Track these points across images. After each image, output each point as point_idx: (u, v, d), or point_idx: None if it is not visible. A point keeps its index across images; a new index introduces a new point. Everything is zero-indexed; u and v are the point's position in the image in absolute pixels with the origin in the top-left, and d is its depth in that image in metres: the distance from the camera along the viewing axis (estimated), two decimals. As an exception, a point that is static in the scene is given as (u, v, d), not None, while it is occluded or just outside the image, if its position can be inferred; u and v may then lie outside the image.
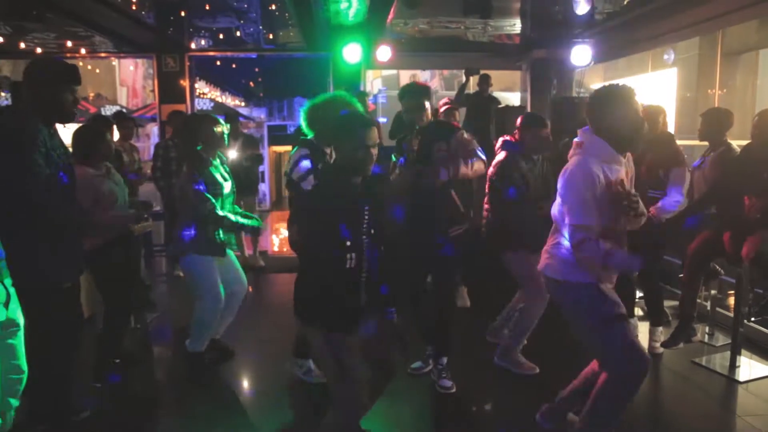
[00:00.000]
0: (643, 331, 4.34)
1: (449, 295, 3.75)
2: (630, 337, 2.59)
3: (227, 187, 3.77)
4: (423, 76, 17.40)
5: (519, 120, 3.93)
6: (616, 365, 2.58)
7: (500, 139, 3.99)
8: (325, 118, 3.18)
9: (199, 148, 3.73)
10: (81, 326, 3.11)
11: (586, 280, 2.56)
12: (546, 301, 3.64)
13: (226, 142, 3.85)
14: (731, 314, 4.07)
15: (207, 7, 6.48)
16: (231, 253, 3.92)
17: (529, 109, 8.10)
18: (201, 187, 3.56)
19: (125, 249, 3.76)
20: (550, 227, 2.80)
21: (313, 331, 2.46)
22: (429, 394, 3.60)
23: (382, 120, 10.90)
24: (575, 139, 2.63)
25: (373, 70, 11.90)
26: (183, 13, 6.82)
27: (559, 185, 2.58)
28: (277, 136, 14.97)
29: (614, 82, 2.63)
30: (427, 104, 3.50)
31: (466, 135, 3.57)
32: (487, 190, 3.95)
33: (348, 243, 2.38)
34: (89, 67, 17.76)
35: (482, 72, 7.40)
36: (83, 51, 8.69)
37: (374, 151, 2.43)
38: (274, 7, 6.57)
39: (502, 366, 3.83)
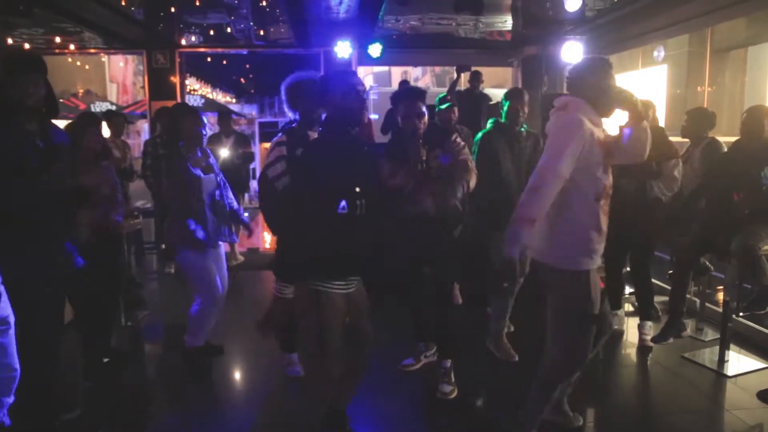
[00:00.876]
0: (632, 326, 4.37)
1: (449, 295, 3.61)
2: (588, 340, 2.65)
3: (210, 180, 3.73)
4: (414, 72, 17.41)
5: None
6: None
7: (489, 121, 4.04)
8: (309, 91, 3.13)
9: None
10: (60, 330, 3.04)
11: (581, 268, 2.58)
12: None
13: (204, 142, 3.82)
14: (720, 309, 4.10)
15: (197, 3, 6.45)
16: (221, 249, 3.92)
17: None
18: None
19: (108, 247, 3.74)
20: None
21: (298, 289, 2.51)
22: (419, 391, 3.60)
23: (374, 117, 10.87)
24: (556, 104, 2.67)
25: (365, 66, 11.88)
26: (173, 9, 6.79)
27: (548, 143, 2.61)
28: (269, 132, 14.91)
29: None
30: (425, 109, 3.37)
31: (458, 139, 3.46)
32: None
33: (340, 189, 2.41)
34: (78, 63, 17.61)
35: (473, 69, 7.39)
36: (72, 47, 8.62)
37: (365, 99, 2.46)
38: (264, 3, 6.56)
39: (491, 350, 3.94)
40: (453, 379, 3.51)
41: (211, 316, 3.81)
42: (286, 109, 3.36)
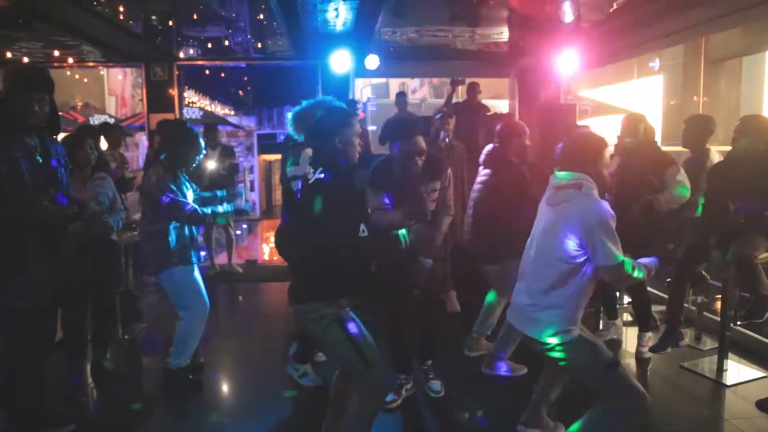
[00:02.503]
0: (631, 336, 4.36)
1: (434, 306, 3.63)
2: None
3: (189, 196, 3.73)
4: (412, 84, 17.48)
5: (504, 130, 3.95)
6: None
7: (490, 147, 4.02)
8: (307, 122, 3.14)
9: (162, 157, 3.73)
10: (47, 345, 3.04)
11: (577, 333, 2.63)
12: None
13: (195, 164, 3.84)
14: (718, 318, 4.10)
15: (195, 17, 6.49)
16: (197, 271, 3.85)
17: (517, 117, 8.17)
18: (170, 196, 3.52)
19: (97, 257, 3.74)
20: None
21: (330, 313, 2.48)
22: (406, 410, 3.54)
23: (371, 128, 10.92)
24: (564, 182, 2.69)
25: (363, 78, 11.94)
26: (171, 23, 6.83)
27: (573, 229, 2.59)
28: (267, 144, 14.99)
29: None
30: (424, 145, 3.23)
31: (449, 176, 3.42)
32: (472, 202, 3.96)
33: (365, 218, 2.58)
34: (77, 76, 17.65)
35: (471, 80, 7.43)
36: (71, 60, 8.67)
37: (355, 140, 2.59)
38: (262, 16, 6.60)
39: (491, 373, 3.81)
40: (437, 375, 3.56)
41: (200, 332, 3.76)
42: (290, 132, 3.35)
